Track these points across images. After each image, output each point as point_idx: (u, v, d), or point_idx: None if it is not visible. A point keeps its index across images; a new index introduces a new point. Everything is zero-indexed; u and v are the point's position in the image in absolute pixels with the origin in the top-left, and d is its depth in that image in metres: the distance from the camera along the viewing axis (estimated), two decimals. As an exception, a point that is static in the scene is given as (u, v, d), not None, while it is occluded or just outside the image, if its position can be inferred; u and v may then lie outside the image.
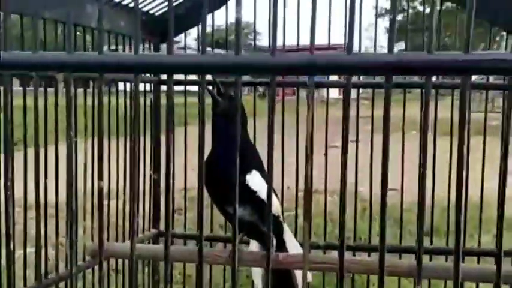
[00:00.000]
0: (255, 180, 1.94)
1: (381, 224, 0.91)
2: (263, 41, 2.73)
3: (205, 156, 1.99)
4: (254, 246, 2.19)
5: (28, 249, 2.01)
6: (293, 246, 2.16)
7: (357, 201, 2.56)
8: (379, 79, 2.33)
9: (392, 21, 0.85)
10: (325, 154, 2.61)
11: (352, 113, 2.37)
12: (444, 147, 2.47)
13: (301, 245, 2.39)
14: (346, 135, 0.92)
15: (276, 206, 2.06)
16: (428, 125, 0.91)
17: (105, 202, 2.25)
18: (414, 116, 2.38)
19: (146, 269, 2.75)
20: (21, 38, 1.93)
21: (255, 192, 1.92)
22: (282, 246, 2.12)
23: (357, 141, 2.57)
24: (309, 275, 2.19)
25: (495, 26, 2.54)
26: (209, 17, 2.63)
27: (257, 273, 2.22)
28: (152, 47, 2.76)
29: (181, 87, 2.69)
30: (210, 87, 2.06)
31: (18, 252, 2.02)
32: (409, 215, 2.72)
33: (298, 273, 2.15)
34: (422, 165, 0.90)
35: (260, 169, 1.98)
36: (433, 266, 1.82)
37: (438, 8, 2.63)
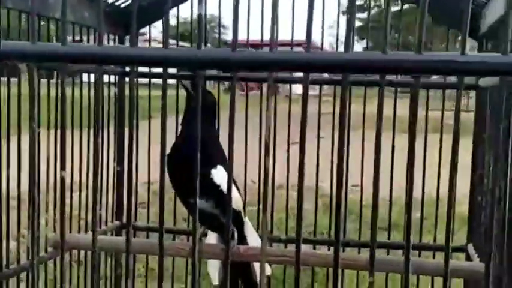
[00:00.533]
0: (219, 175, 1.96)
1: (336, 219, 0.95)
2: (229, 35, 2.73)
3: (170, 147, 2.02)
4: (212, 238, 2.20)
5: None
6: (254, 240, 2.19)
7: (317, 197, 2.60)
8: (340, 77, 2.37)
9: (350, 21, 0.88)
10: (288, 150, 2.64)
11: (315, 109, 2.42)
12: (403, 144, 2.51)
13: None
14: (304, 133, 0.95)
15: (237, 201, 2.09)
16: (381, 124, 0.95)
17: (68, 194, 2.25)
18: (375, 113, 2.42)
19: (108, 261, 2.75)
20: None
21: (219, 186, 1.95)
22: (243, 239, 2.14)
23: (318, 137, 2.60)
24: (268, 268, 2.22)
25: (453, 28, 2.60)
26: (174, 10, 2.64)
27: (213, 266, 2.24)
28: (116, 39, 2.75)
29: (146, 80, 2.69)
30: (187, 81, 2.07)
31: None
32: (369, 210, 2.77)
33: (257, 266, 2.18)
34: (376, 163, 0.94)
35: (225, 165, 2.01)
36: (388, 260, 1.87)
37: (399, 7, 2.69)
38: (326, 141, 2.59)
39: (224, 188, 1.95)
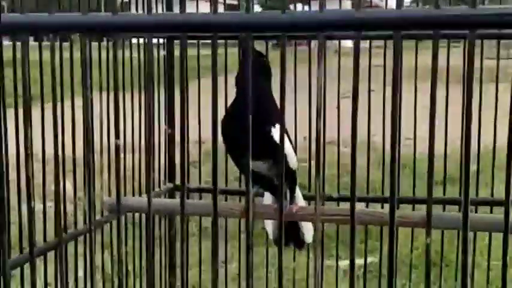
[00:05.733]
0: (278, 133, 1.92)
1: (391, 177, 0.94)
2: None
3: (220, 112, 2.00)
4: (268, 198, 2.19)
5: (48, 204, 2.06)
6: (300, 199, 2.19)
7: (370, 151, 2.57)
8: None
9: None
10: (338, 106, 2.61)
11: (365, 62, 2.37)
12: (457, 94, 2.45)
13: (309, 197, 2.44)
14: (356, 89, 0.93)
15: (294, 160, 2.08)
16: (436, 78, 0.92)
17: (121, 156, 2.28)
18: (427, 64, 2.37)
19: (162, 222, 2.78)
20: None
21: (278, 144, 1.89)
22: (293, 199, 2.13)
23: (369, 90, 2.57)
24: (311, 229, 2.22)
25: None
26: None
27: (268, 223, 2.25)
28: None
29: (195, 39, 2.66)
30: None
31: (38, 206, 2.07)
32: (423, 164, 2.73)
33: (304, 225, 2.18)
34: (431, 115, 0.92)
35: (281, 124, 1.97)
36: (444, 216, 1.84)
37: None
38: (377, 95, 2.55)
39: (283, 147, 1.91)
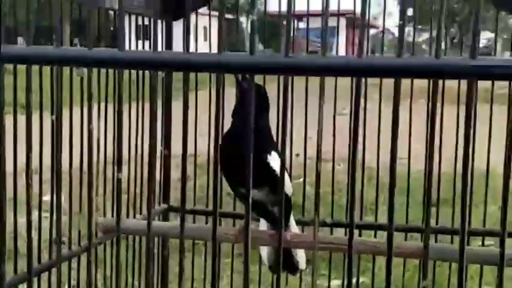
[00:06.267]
0: (275, 161, 1.92)
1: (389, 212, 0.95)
2: (272, 5, 2.73)
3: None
4: (263, 224, 2.19)
5: (43, 214, 2.04)
6: (293, 225, 2.20)
7: (364, 170, 2.57)
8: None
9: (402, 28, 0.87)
10: (333, 130, 2.61)
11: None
12: (452, 115, 2.47)
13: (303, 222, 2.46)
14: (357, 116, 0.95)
15: (289, 188, 2.08)
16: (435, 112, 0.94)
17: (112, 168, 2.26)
18: (422, 83, 2.39)
19: (155, 240, 2.74)
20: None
21: (275, 171, 1.91)
22: (287, 225, 2.13)
23: (365, 109, 2.57)
24: (304, 256, 2.22)
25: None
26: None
27: (264, 249, 2.25)
28: (164, 26, 2.70)
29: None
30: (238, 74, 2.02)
31: (32, 217, 2.06)
32: (417, 183, 2.73)
33: (297, 252, 2.19)
34: (430, 140, 0.93)
35: (277, 151, 1.97)
36: (439, 248, 1.85)
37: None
38: (372, 113, 2.55)
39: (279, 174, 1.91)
